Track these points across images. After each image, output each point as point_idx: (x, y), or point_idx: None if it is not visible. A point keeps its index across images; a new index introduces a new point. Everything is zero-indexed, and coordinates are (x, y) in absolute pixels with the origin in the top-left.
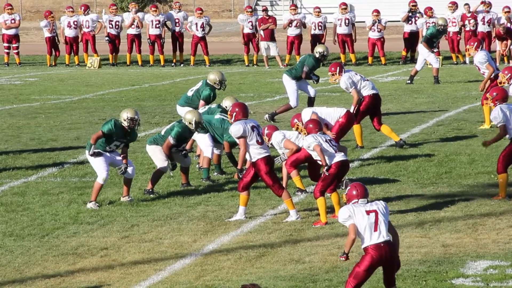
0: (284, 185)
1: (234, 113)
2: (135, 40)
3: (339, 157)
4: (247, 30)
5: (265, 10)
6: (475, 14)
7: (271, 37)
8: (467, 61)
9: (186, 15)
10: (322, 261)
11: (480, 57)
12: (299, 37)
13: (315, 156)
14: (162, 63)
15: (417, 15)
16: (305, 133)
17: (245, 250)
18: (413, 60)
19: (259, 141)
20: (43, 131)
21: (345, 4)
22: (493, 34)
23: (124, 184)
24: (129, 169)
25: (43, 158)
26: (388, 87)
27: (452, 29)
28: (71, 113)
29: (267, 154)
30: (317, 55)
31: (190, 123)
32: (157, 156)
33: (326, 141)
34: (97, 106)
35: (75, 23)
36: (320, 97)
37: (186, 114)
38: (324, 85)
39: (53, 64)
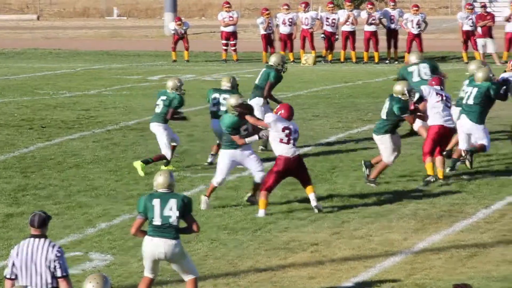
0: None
1: (279, 113)
2: (349, 37)
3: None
4: (466, 27)
5: (484, 6)
6: None
7: (488, 34)
8: None
9: (402, 12)
10: None
11: None
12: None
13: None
14: (376, 60)
15: None
16: None
17: (457, 250)
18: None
19: (283, 140)
20: None
21: None
22: None
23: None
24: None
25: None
26: None
27: None
28: None
29: (288, 155)
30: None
31: (403, 93)
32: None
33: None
34: (311, 103)
35: (291, 20)
36: None
37: (395, 87)
38: None
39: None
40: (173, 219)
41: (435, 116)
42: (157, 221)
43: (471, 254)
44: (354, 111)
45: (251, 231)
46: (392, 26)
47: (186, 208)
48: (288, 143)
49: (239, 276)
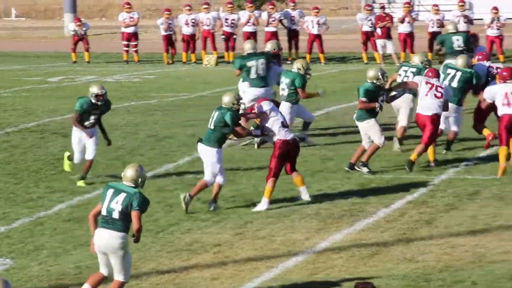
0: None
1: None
2: (250, 37)
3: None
4: (366, 28)
5: (383, 7)
6: None
7: (387, 35)
8: None
9: (302, 13)
10: (436, 260)
11: None
12: (411, 35)
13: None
14: None
15: None
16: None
17: (358, 249)
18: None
19: (284, 123)
20: (160, 128)
21: (463, 1)
22: None
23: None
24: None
25: (159, 155)
26: None
27: None
28: (188, 110)
29: (288, 138)
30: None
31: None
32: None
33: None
34: (214, 104)
35: (193, 21)
36: None
37: (224, 98)
38: None
39: (170, 62)
40: (115, 213)
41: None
42: (103, 211)
43: (372, 253)
44: None
45: (154, 233)
46: (293, 27)
47: (131, 204)
48: (287, 126)
49: (141, 278)
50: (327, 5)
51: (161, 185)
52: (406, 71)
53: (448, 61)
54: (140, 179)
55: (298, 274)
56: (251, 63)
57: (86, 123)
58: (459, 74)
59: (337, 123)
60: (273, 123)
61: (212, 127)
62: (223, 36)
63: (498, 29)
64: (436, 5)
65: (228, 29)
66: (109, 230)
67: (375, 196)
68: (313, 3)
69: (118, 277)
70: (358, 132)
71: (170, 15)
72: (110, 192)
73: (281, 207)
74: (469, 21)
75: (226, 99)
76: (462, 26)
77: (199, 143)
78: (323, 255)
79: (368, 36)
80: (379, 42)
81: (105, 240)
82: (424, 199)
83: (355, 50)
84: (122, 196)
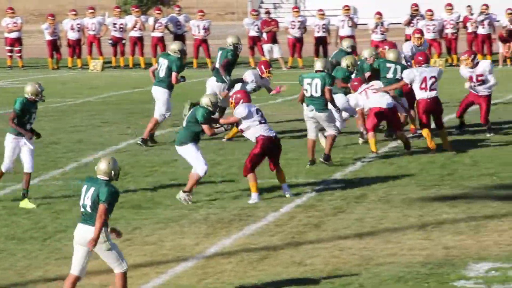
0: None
1: (241, 101)
2: (137, 43)
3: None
4: (252, 33)
5: (268, 12)
6: (476, 16)
7: (273, 39)
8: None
9: (188, 17)
10: (324, 264)
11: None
12: (301, 40)
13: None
14: None
15: (418, 18)
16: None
17: (247, 253)
18: None
19: (261, 121)
20: (46, 134)
21: (348, 6)
22: (494, 36)
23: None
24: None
25: (45, 161)
26: None
27: (449, 30)
28: (74, 116)
29: (269, 134)
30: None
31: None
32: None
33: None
34: (100, 109)
35: (78, 25)
36: None
37: (203, 99)
38: None
39: (56, 67)
40: (88, 208)
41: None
42: (81, 208)
43: (262, 257)
44: (144, 117)
45: (41, 240)
46: (179, 31)
47: (98, 198)
48: (266, 122)
49: (27, 286)
50: (214, 10)
51: (47, 192)
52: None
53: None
54: (113, 172)
55: (188, 279)
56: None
57: (27, 124)
58: (398, 67)
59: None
60: (251, 123)
61: (184, 125)
62: (111, 41)
63: (382, 33)
64: (322, 10)
65: (116, 34)
66: (86, 226)
67: (264, 201)
68: (200, 8)
69: (116, 269)
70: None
71: (55, 20)
72: (84, 188)
73: (170, 212)
74: (354, 25)
75: (204, 100)
76: (346, 31)
77: (176, 146)
78: (212, 260)
79: (255, 41)
80: (266, 47)
81: (81, 234)
82: (312, 202)
83: (242, 54)
84: (91, 190)
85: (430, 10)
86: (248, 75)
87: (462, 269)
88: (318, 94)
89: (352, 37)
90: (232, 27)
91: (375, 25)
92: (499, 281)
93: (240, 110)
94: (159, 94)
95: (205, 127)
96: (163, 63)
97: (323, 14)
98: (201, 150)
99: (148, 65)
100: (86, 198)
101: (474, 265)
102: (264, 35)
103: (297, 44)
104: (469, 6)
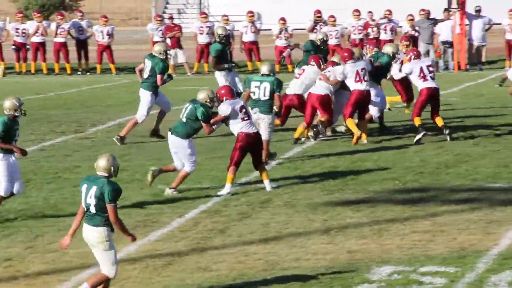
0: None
1: (225, 98)
2: (39, 48)
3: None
4: (157, 39)
5: (171, 18)
6: (378, 22)
7: (178, 44)
8: None
9: (90, 23)
10: (229, 269)
11: None
12: (208, 46)
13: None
14: (68, 72)
15: (321, 24)
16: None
17: (152, 259)
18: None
19: (244, 118)
20: None
21: (251, 12)
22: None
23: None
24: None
25: None
26: None
27: (356, 36)
28: None
29: (249, 130)
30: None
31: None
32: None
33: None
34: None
35: None
36: None
37: (199, 94)
38: None
39: None
40: (92, 207)
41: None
42: (84, 207)
43: (167, 262)
44: (47, 123)
45: None
46: (82, 37)
47: (102, 197)
48: (248, 119)
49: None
50: (118, 16)
51: None
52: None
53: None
54: (112, 168)
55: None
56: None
57: (13, 142)
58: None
59: (130, 133)
60: (234, 120)
61: (184, 120)
62: (15, 47)
63: (286, 39)
64: (226, 16)
65: (19, 40)
66: (89, 226)
67: (169, 206)
68: (103, 13)
69: (104, 270)
70: (151, 141)
71: None
72: (84, 187)
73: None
74: (256, 31)
75: (201, 96)
76: (249, 37)
77: (169, 134)
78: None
79: None
80: (170, 52)
81: (86, 234)
82: (217, 208)
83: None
84: (94, 189)
85: (332, 16)
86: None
87: (366, 273)
88: (266, 97)
89: (255, 42)
90: (136, 33)
91: (279, 30)
92: (401, 284)
93: (223, 109)
94: (142, 95)
95: (204, 125)
96: (148, 64)
97: (228, 20)
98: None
99: (51, 70)
100: (89, 197)
101: (377, 268)
102: (168, 41)
103: (205, 50)
104: (370, 12)
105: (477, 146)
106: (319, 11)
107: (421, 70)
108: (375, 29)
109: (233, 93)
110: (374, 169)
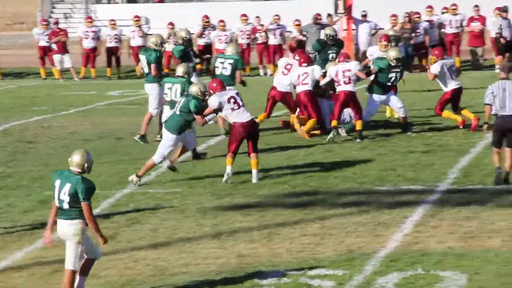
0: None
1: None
2: None
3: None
4: (42, 43)
5: (57, 23)
6: (267, 27)
7: (64, 49)
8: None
9: None
10: (119, 275)
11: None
12: (95, 50)
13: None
14: None
15: (210, 28)
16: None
17: (39, 267)
18: (208, 72)
19: (234, 108)
20: None
21: (138, 16)
22: (284, 47)
23: None
24: None
25: None
26: None
27: (244, 41)
28: None
29: (242, 120)
30: None
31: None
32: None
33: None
34: None
35: None
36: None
37: (192, 88)
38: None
39: None
40: (65, 204)
41: None
42: (57, 203)
43: (54, 270)
44: None
45: None
46: None
47: (76, 195)
48: (239, 107)
49: None
50: (2, 20)
51: None
52: (223, 63)
53: None
54: (86, 164)
55: None
56: None
57: None
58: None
59: (16, 139)
60: (225, 111)
61: (177, 112)
62: None
63: (175, 44)
64: (113, 20)
65: None
66: (63, 220)
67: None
68: None
69: (67, 265)
70: (36, 147)
71: None
72: (58, 182)
73: None
74: (144, 35)
75: (193, 89)
76: (137, 41)
77: (163, 127)
78: (3, 275)
79: (45, 51)
80: (56, 57)
81: (61, 229)
82: (106, 213)
83: (32, 65)
84: (68, 187)
85: (222, 21)
86: None
87: (255, 277)
88: (178, 98)
89: (143, 47)
90: (21, 37)
91: (167, 35)
92: (290, 287)
93: (212, 101)
94: (149, 89)
95: (197, 117)
96: (143, 59)
97: (115, 24)
98: (174, 148)
99: None
100: (63, 194)
101: (267, 272)
102: (54, 46)
103: (91, 54)
104: (257, 17)
105: (365, 150)
106: (207, 16)
107: (336, 74)
108: (263, 34)
109: (223, 86)
110: (263, 173)
